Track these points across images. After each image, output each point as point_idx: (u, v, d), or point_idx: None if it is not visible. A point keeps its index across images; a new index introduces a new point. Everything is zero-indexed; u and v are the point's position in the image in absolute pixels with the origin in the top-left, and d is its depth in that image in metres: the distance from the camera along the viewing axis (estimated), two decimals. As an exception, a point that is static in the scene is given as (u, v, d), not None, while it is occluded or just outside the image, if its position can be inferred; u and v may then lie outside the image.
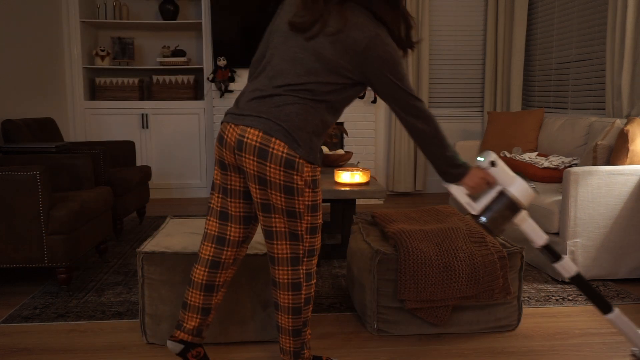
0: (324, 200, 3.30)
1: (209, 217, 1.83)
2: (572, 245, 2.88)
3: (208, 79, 5.22)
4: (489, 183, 1.74)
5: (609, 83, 3.76)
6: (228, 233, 1.80)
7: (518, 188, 1.71)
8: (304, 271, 1.75)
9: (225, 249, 1.82)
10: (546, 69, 5.02)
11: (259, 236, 2.34)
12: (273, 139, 1.59)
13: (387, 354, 2.13)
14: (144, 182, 4.15)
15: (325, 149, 3.93)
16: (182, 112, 5.29)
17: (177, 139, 5.33)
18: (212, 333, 2.19)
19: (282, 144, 1.59)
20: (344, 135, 5.38)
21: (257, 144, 1.60)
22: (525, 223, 1.77)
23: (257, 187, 1.65)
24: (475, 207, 1.74)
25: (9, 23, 3.98)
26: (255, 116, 1.62)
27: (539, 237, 1.78)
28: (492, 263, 2.21)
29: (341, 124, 5.36)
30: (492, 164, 1.72)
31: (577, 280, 1.81)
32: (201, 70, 5.39)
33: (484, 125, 5.62)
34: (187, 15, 5.50)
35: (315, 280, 1.80)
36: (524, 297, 2.72)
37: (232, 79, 5.18)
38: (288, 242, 1.71)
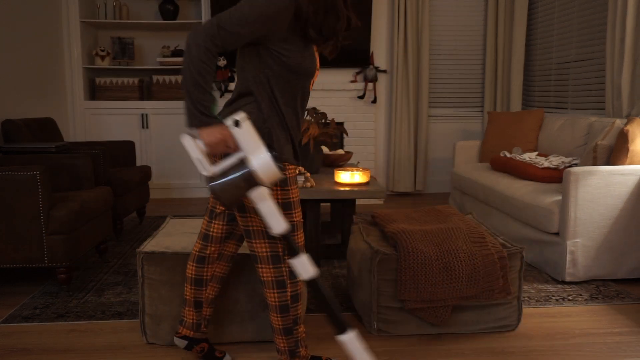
0: (324, 201, 3.29)
1: (204, 217, 1.93)
2: (572, 245, 2.87)
3: (208, 79, 5.21)
4: (229, 146, 1.55)
5: (609, 83, 3.76)
6: (212, 229, 1.89)
7: (260, 160, 1.51)
8: (288, 268, 1.76)
9: (209, 244, 1.90)
10: (546, 68, 5.02)
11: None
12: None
13: (387, 354, 2.13)
14: (144, 182, 4.15)
15: (325, 149, 3.93)
16: (182, 112, 5.29)
17: (177, 139, 5.33)
18: (212, 333, 2.19)
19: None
20: (344, 135, 5.38)
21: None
22: (263, 203, 1.56)
23: None
24: (207, 168, 1.55)
25: (9, 23, 3.98)
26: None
27: (277, 224, 1.57)
28: (492, 263, 2.21)
29: (341, 124, 5.37)
30: (236, 123, 1.52)
31: (313, 286, 1.59)
32: (201, 70, 5.38)
33: (484, 125, 5.62)
34: (187, 15, 5.50)
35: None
36: (524, 297, 2.72)
37: (232, 79, 5.18)
38: (266, 241, 1.72)
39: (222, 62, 5.09)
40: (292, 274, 1.76)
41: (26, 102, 4.25)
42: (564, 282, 2.94)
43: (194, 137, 1.55)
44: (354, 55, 5.26)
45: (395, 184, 5.50)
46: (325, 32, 1.64)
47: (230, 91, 5.18)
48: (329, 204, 4.91)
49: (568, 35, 4.63)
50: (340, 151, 3.94)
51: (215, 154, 1.61)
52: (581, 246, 2.88)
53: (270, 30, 1.56)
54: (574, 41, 4.54)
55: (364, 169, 3.25)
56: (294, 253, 1.60)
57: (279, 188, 1.68)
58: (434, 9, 5.50)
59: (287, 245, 1.60)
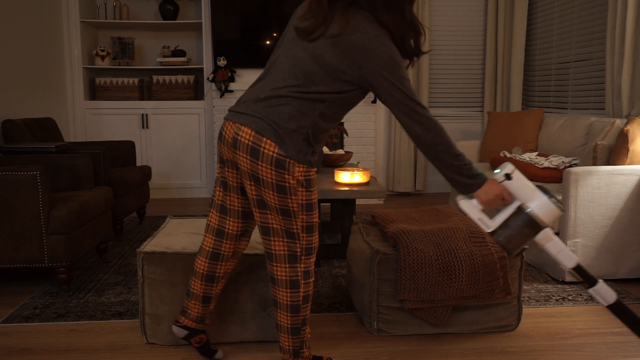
0: (324, 201, 3.29)
1: (211, 210, 1.89)
2: (572, 245, 2.88)
3: (208, 79, 5.22)
4: (505, 198, 1.62)
5: (609, 83, 3.76)
6: (227, 226, 1.86)
7: (539, 205, 1.56)
8: (302, 269, 1.76)
9: (224, 241, 1.88)
10: (546, 69, 5.02)
11: (258, 236, 2.34)
12: (264, 139, 1.61)
13: (387, 354, 2.13)
14: (144, 182, 4.15)
15: (325, 149, 3.93)
16: (182, 112, 5.29)
17: (177, 139, 5.33)
18: (212, 333, 2.19)
19: (273, 144, 1.61)
20: (344, 135, 5.39)
21: (250, 143, 1.63)
22: (550, 242, 1.60)
23: (251, 184, 1.68)
24: (489, 225, 1.62)
25: (9, 23, 3.98)
26: (250, 115, 1.65)
27: (568, 259, 1.59)
28: (492, 263, 2.21)
29: (341, 124, 5.36)
30: (507, 176, 1.59)
31: (616, 309, 1.59)
32: (201, 70, 5.39)
33: (484, 125, 5.62)
34: (187, 15, 5.50)
35: (313, 279, 1.81)
36: (524, 297, 2.72)
37: (232, 79, 5.18)
38: (285, 240, 1.72)
39: (222, 62, 5.09)
40: (306, 274, 1.76)
41: (26, 102, 4.25)
42: (564, 282, 2.94)
43: (469, 198, 1.64)
44: (354, 55, 5.25)
45: (395, 184, 5.51)
46: (409, 50, 1.68)
47: (231, 91, 5.19)
48: (329, 204, 4.91)
49: (568, 35, 4.63)
50: (340, 151, 3.95)
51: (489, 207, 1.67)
52: (581, 246, 2.88)
53: None
54: (574, 41, 4.54)
55: (364, 169, 3.25)
56: (592, 282, 1.59)
57: (304, 189, 1.69)
58: (434, 9, 5.50)
59: (583, 276, 1.59)
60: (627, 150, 2.96)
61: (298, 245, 1.73)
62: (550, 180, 3.41)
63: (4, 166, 2.74)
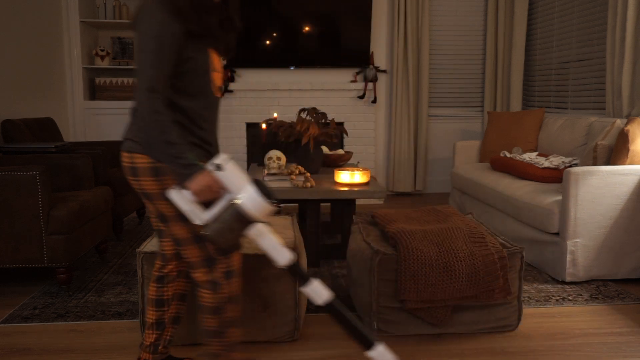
0: (324, 200, 3.29)
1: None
2: (572, 245, 2.87)
3: (208, 79, 5.21)
4: (217, 190, 1.53)
5: (609, 83, 3.75)
6: (164, 248, 1.84)
7: (248, 198, 1.49)
8: (223, 269, 1.70)
9: (166, 263, 1.85)
10: (546, 69, 5.02)
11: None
12: (135, 155, 1.62)
13: (387, 354, 2.13)
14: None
15: (325, 149, 3.93)
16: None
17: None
18: (212, 333, 2.19)
19: (143, 156, 1.61)
20: (344, 135, 5.38)
21: (128, 164, 1.64)
22: (263, 239, 1.53)
23: (146, 201, 1.67)
24: (200, 217, 1.52)
25: (9, 23, 3.98)
26: (124, 139, 1.67)
27: (281, 256, 1.53)
28: (492, 263, 2.20)
29: (341, 124, 5.37)
30: (218, 167, 1.51)
31: (331, 308, 1.54)
32: (201, 70, 5.38)
33: (484, 125, 5.62)
34: (187, 15, 5.49)
35: (238, 279, 1.73)
36: (524, 297, 2.72)
37: (232, 79, 5.18)
38: (195, 245, 1.67)
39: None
40: (228, 274, 1.69)
41: (26, 102, 4.25)
42: (564, 282, 2.94)
43: (179, 189, 1.54)
44: (354, 55, 5.26)
45: (395, 184, 5.50)
46: (201, 30, 1.62)
47: (231, 91, 5.18)
48: (329, 204, 4.91)
49: (568, 35, 4.63)
50: (340, 151, 3.94)
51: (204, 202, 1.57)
52: (581, 246, 2.88)
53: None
54: (574, 41, 4.54)
55: (364, 169, 3.25)
56: (304, 281, 1.54)
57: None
58: (434, 9, 5.49)
59: (296, 275, 1.55)
60: (628, 150, 2.95)
61: (210, 246, 1.68)
62: (551, 180, 3.40)
63: (4, 166, 2.74)
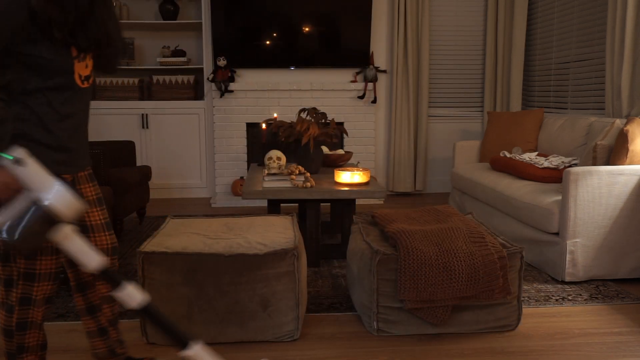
0: (324, 201, 3.29)
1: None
2: (572, 245, 2.88)
3: (208, 79, 5.22)
4: (16, 188, 1.36)
5: (609, 83, 3.76)
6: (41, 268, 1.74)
7: (55, 195, 1.32)
8: (19, 295, 1.62)
9: (75, 269, 1.79)
10: (546, 69, 5.02)
11: (258, 236, 2.34)
12: None
13: (387, 354, 2.13)
14: (144, 182, 4.15)
15: (325, 149, 3.93)
16: (182, 112, 5.29)
17: (177, 139, 5.33)
18: (212, 333, 2.19)
19: None
20: (344, 135, 5.39)
21: None
22: (70, 241, 1.36)
23: None
24: None
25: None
26: None
27: (91, 260, 1.38)
28: (492, 263, 2.21)
29: (341, 124, 5.37)
30: (18, 162, 1.33)
31: (145, 312, 1.41)
32: (201, 70, 5.39)
33: (484, 125, 5.62)
34: (187, 15, 5.50)
35: (39, 309, 1.66)
36: (524, 297, 2.72)
37: (232, 79, 5.18)
38: (0, 262, 1.59)
39: (222, 62, 5.09)
40: (23, 300, 1.61)
41: (26, 102, 4.24)
42: (563, 282, 2.94)
43: None
44: (354, 55, 5.26)
45: (395, 184, 5.51)
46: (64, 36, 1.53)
47: (231, 91, 5.19)
48: (329, 204, 4.91)
49: (568, 35, 4.63)
50: (340, 151, 3.95)
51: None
52: (581, 246, 2.88)
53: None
54: (574, 41, 4.54)
55: (364, 169, 3.25)
56: (116, 284, 1.39)
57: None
58: (434, 9, 5.50)
59: (108, 279, 1.40)
60: (627, 150, 2.96)
61: (14, 268, 1.60)
62: (550, 180, 3.41)
63: (4, 166, 2.73)
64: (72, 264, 1.79)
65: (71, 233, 1.38)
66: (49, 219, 1.33)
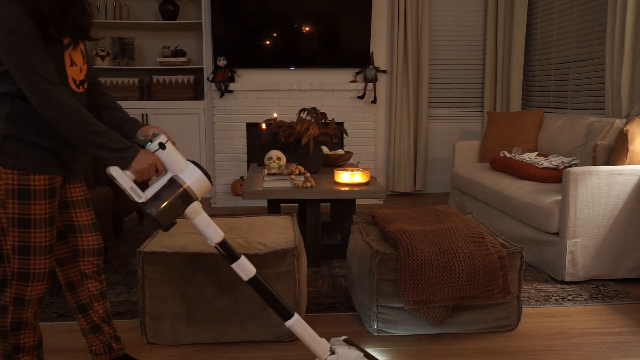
0: (324, 201, 3.29)
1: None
2: (572, 245, 2.88)
3: (208, 79, 5.22)
4: (158, 169, 1.59)
5: (609, 83, 3.76)
6: (58, 253, 1.80)
7: (190, 175, 1.56)
8: (12, 295, 1.61)
9: (63, 269, 1.81)
10: (546, 69, 5.03)
11: (258, 236, 2.34)
12: None
13: (387, 354, 2.13)
14: (144, 182, 4.15)
15: (325, 149, 3.94)
16: (182, 112, 5.30)
17: (177, 139, 5.33)
18: (212, 333, 2.19)
19: None
20: (344, 135, 5.39)
21: None
22: (199, 217, 1.60)
23: None
24: (141, 195, 1.55)
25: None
26: None
27: (215, 234, 1.62)
28: (492, 263, 2.21)
29: (341, 124, 5.37)
30: (161, 146, 1.57)
31: (255, 283, 1.70)
32: (201, 70, 5.39)
33: (484, 125, 5.62)
34: (187, 15, 5.50)
35: (31, 310, 1.65)
36: (523, 297, 2.72)
37: (232, 79, 5.18)
38: None
39: (222, 62, 5.09)
40: (17, 300, 1.62)
41: (26, 102, 4.25)
42: (563, 282, 2.94)
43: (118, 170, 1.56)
44: (354, 55, 5.26)
45: (395, 184, 5.51)
46: (71, 27, 1.55)
47: (231, 91, 5.19)
48: (329, 204, 4.92)
49: (568, 35, 4.63)
50: (340, 151, 3.95)
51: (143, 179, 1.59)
52: (581, 246, 2.88)
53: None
54: (574, 41, 4.54)
55: (364, 169, 3.25)
56: (234, 258, 1.66)
57: (16, 202, 1.53)
58: (434, 9, 5.50)
59: (226, 251, 1.65)
60: (627, 150, 2.96)
61: (8, 268, 1.60)
62: (550, 180, 3.41)
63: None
64: (61, 262, 1.80)
65: (200, 209, 1.59)
66: (184, 196, 1.54)
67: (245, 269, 1.67)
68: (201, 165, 1.61)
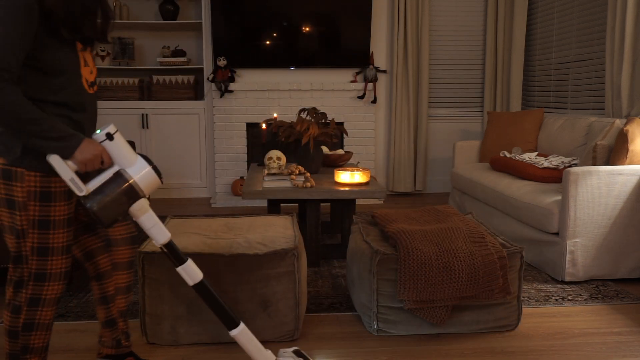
0: (324, 201, 3.29)
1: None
2: (572, 245, 2.88)
3: (208, 79, 5.22)
4: (104, 161, 1.50)
5: (609, 83, 3.76)
6: (89, 245, 1.81)
7: (139, 170, 1.47)
8: (28, 295, 1.61)
9: (93, 261, 1.81)
10: (546, 69, 5.03)
11: (258, 236, 2.34)
12: None
13: (387, 354, 2.13)
14: (88, 174, 4.13)
15: (325, 149, 3.94)
16: (182, 112, 5.30)
17: (177, 139, 5.33)
18: (212, 333, 2.19)
19: None
20: (344, 135, 5.39)
21: None
22: (145, 215, 1.53)
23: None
24: (82, 187, 1.45)
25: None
26: None
27: (161, 235, 1.54)
28: (492, 263, 2.21)
29: (341, 124, 5.37)
30: (109, 136, 1.47)
31: (200, 289, 1.60)
32: (201, 70, 5.39)
33: (484, 125, 5.62)
34: (187, 15, 5.50)
35: (48, 309, 1.65)
36: (523, 297, 2.72)
37: (232, 79, 5.18)
38: (12, 264, 1.59)
39: (222, 62, 5.09)
40: (33, 301, 1.62)
41: (26, 102, 4.25)
42: (563, 282, 2.94)
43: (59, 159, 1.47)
44: (354, 55, 5.26)
45: (395, 184, 5.51)
46: (88, 31, 1.55)
47: (231, 91, 5.19)
48: (329, 204, 4.92)
49: (568, 35, 4.64)
50: (340, 151, 3.95)
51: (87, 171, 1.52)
52: (581, 246, 2.88)
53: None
54: (574, 41, 4.54)
55: (364, 169, 3.25)
56: (180, 261, 1.58)
57: (38, 204, 1.53)
58: (434, 9, 5.50)
59: (172, 253, 1.58)
60: (627, 150, 2.96)
61: (25, 270, 1.59)
62: (550, 180, 3.41)
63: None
64: (90, 256, 1.82)
65: (147, 207, 1.50)
66: (130, 192, 1.45)
67: (191, 273, 1.57)
68: (151, 160, 1.52)
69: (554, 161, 3.49)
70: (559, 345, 2.21)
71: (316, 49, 5.22)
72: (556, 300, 2.70)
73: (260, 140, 5.19)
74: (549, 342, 2.24)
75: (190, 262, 1.58)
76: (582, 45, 4.42)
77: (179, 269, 1.57)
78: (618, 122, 3.24)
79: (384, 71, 5.43)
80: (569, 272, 2.89)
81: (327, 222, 4.10)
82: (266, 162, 3.57)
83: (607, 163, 3.13)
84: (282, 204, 4.68)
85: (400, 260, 2.19)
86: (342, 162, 3.85)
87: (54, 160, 1.44)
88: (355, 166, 3.87)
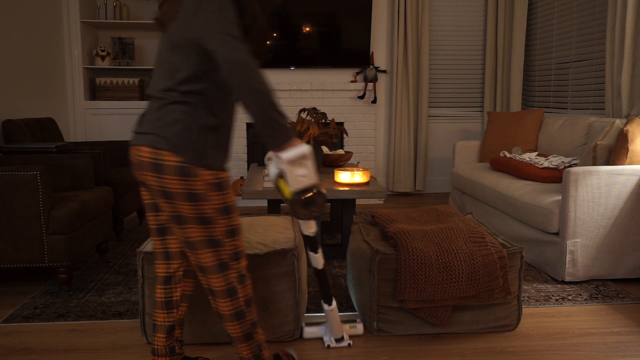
0: (325, 200, 3.29)
1: (152, 237, 1.86)
2: (572, 245, 2.88)
3: (208, 79, 5.22)
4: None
5: (609, 83, 3.76)
6: (169, 246, 1.82)
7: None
8: (235, 274, 1.72)
9: (171, 262, 1.83)
10: (546, 69, 5.03)
11: (258, 236, 2.34)
12: (162, 152, 1.59)
13: (387, 354, 2.13)
14: (144, 182, 4.14)
15: (325, 149, 3.94)
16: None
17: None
18: (212, 333, 2.19)
19: (170, 153, 1.59)
20: (344, 135, 5.39)
21: (151, 160, 1.61)
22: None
23: (164, 201, 1.65)
24: (314, 177, 1.72)
25: (9, 23, 3.98)
26: (144, 133, 1.64)
27: (311, 225, 1.91)
28: (492, 263, 2.21)
29: (341, 124, 5.37)
30: None
31: (321, 273, 2.06)
32: (201, 70, 5.38)
33: (484, 125, 5.62)
34: (187, 15, 5.50)
35: (249, 281, 1.77)
36: (523, 297, 2.72)
37: (232, 79, 5.18)
38: (210, 249, 1.68)
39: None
40: (241, 278, 1.73)
41: (27, 102, 4.25)
42: (563, 282, 2.94)
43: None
44: (354, 55, 5.26)
45: (395, 184, 5.51)
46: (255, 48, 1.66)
47: (231, 91, 5.19)
48: (329, 204, 4.91)
49: (568, 35, 4.64)
50: (340, 151, 3.95)
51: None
52: (581, 246, 2.88)
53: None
54: (574, 41, 4.54)
55: (364, 169, 3.25)
56: (315, 249, 1.99)
57: (217, 193, 1.65)
58: (434, 9, 5.50)
59: (313, 242, 1.97)
60: (627, 150, 2.96)
61: (224, 252, 1.69)
62: (550, 180, 3.41)
63: (4, 166, 2.74)
64: (168, 255, 1.84)
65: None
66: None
67: (320, 260, 2.05)
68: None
69: (554, 161, 3.49)
70: (558, 345, 2.21)
71: (316, 49, 5.22)
72: (556, 300, 2.70)
73: (260, 140, 5.19)
74: (549, 342, 2.24)
75: (321, 252, 2.01)
76: (582, 45, 4.42)
77: (313, 255, 2.00)
78: (618, 122, 3.24)
79: (384, 71, 5.43)
80: (569, 272, 2.90)
81: (327, 222, 4.10)
82: (266, 162, 3.57)
83: (607, 163, 3.13)
84: (282, 204, 4.68)
85: (400, 260, 2.19)
86: (342, 162, 3.85)
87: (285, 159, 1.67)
88: (355, 166, 3.87)
